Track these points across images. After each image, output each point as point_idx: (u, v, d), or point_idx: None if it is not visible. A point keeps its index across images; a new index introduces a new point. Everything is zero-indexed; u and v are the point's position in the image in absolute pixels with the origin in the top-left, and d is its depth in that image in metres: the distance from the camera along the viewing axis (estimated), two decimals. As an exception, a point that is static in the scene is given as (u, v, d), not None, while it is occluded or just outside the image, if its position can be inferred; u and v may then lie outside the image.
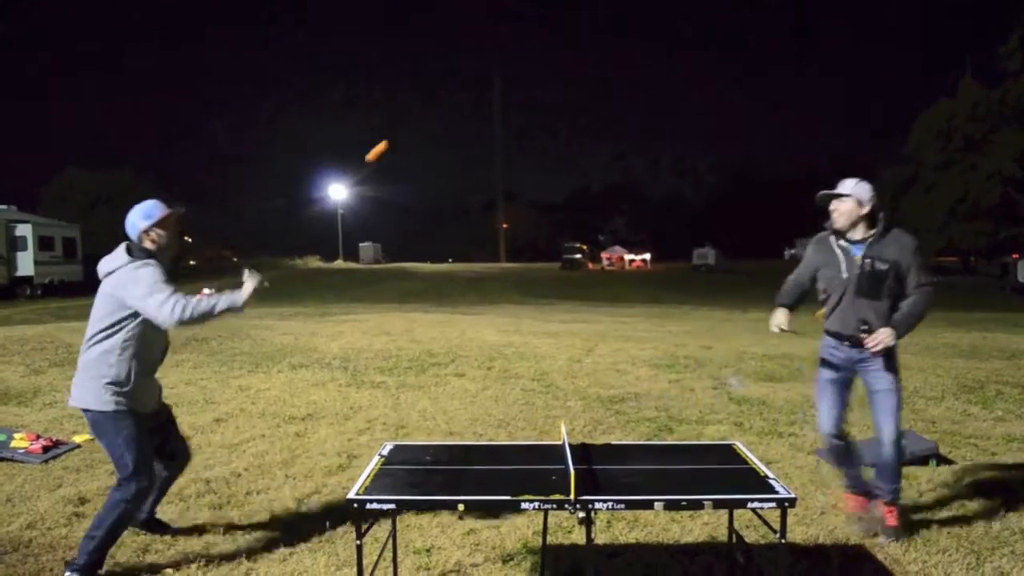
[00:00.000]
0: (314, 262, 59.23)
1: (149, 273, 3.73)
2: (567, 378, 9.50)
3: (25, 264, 32.42)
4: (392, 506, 3.09)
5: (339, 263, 64.32)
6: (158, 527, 4.35)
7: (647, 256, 75.20)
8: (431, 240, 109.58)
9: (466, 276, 51.81)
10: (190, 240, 53.57)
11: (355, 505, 2.99)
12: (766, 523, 3.29)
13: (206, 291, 3.80)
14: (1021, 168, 46.06)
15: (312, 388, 8.76)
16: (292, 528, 4.52)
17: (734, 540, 3.74)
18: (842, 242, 4.25)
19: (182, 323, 3.63)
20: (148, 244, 3.93)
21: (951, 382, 9.15)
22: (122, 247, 3.90)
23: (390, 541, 3.80)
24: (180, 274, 48.64)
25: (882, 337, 3.99)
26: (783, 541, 3.02)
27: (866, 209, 4.15)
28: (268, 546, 4.25)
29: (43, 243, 33.79)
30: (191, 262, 65.13)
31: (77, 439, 6.40)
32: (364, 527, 3.13)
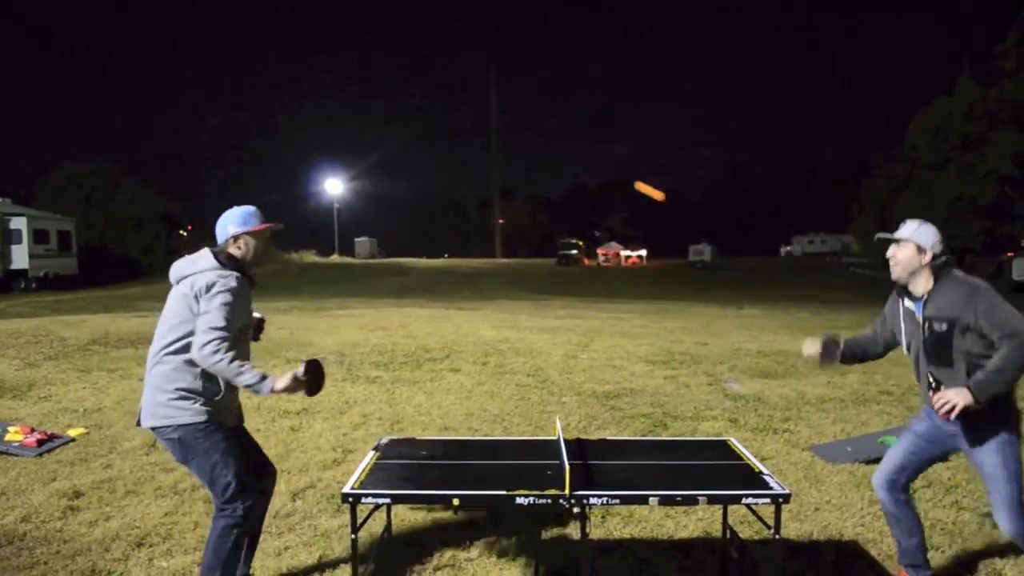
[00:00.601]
0: (310, 257, 59.09)
1: (226, 296, 3.33)
2: (562, 374, 9.50)
3: (20, 257, 32.38)
4: (387, 500, 3.10)
5: (335, 258, 64.18)
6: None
7: (643, 252, 75.17)
8: (427, 235, 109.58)
9: (462, 271, 51.79)
10: (185, 234, 53.44)
11: (350, 499, 3.00)
12: (760, 519, 3.30)
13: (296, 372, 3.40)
14: (1017, 167, 46.14)
15: (307, 383, 8.73)
16: (287, 522, 4.52)
17: (728, 536, 3.75)
18: (906, 301, 3.54)
19: (208, 368, 3.29)
20: (234, 250, 3.54)
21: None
22: (207, 251, 3.52)
23: (385, 535, 3.81)
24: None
25: (949, 397, 3.17)
26: (777, 537, 3.03)
27: (928, 257, 3.41)
28: (264, 540, 4.24)
29: (38, 236, 33.74)
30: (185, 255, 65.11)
31: (72, 432, 6.39)
32: (359, 521, 3.13)
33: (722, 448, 3.74)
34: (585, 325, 16.23)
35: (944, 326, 3.32)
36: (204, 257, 3.50)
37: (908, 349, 3.56)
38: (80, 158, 53.25)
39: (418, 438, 5.33)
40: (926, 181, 50.10)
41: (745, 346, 12.19)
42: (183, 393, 3.32)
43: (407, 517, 4.54)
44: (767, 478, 3.17)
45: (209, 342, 3.22)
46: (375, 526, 3.99)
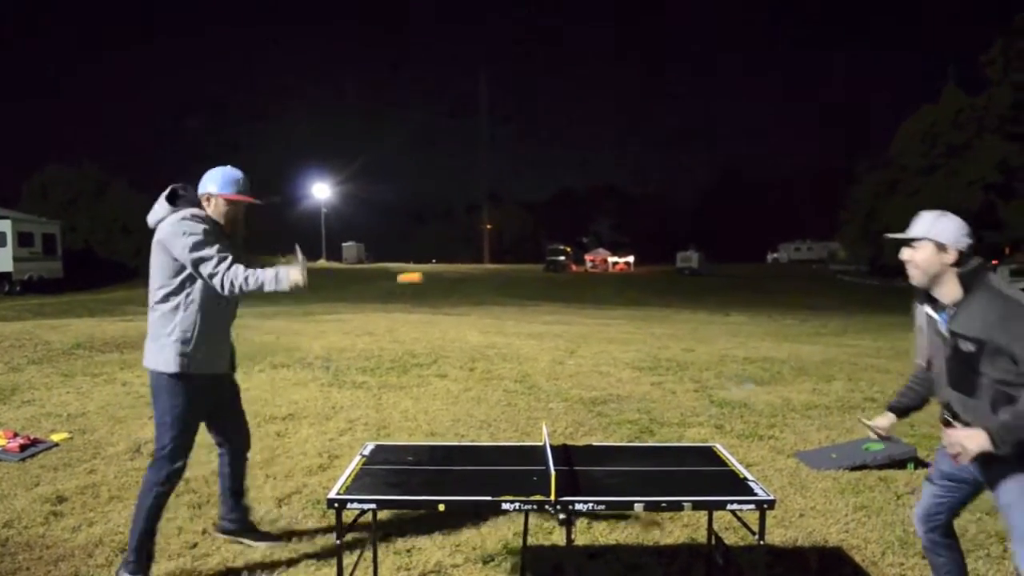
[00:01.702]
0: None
1: (190, 230, 3.49)
2: (549, 380, 9.51)
3: (4, 260, 32.18)
4: (373, 506, 3.08)
5: (322, 262, 64.09)
6: (250, 532, 4.17)
7: (631, 259, 75.41)
8: (415, 240, 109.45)
9: (450, 277, 51.76)
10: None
11: (335, 505, 2.99)
12: (745, 525, 3.31)
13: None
14: (1002, 174, 46.58)
15: (293, 388, 8.72)
16: (273, 528, 4.50)
17: (713, 541, 3.76)
18: (930, 310, 2.96)
19: (233, 294, 3.52)
20: (205, 208, 3.68)
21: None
22: (161, 198, 3.65)
23: (371, 541, 3.81)
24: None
25: (961, 440, 2.70)
26: (762, 543, 3.04)
27: (952, 257, 2.80)
28: (249, 545, 4.23)
29: (23, 239, 33.53)
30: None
31: (55, 437, 6.35)
32: (344, 527, 3.12)
33: (707, 454, 3.75)
34: (572, 331, 16.25)
35: (972, 347, 2.73)
36: (160, 203, 3.64)
37: (929, 365, 3.07)
38: (66, 161, 52.91)
39: (404, 444, 5.33)
40: (912, 188, 50.50)
41: (732, 353, 12.23)
42: (162, 342, 3.59)
43: (393, 523, 4.53)
44: (752, 484, 3.18)
45: (221, 274, 3.43)
46: (361, 532, 3.98)
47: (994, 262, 44.71)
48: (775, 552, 4.16)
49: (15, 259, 32.45)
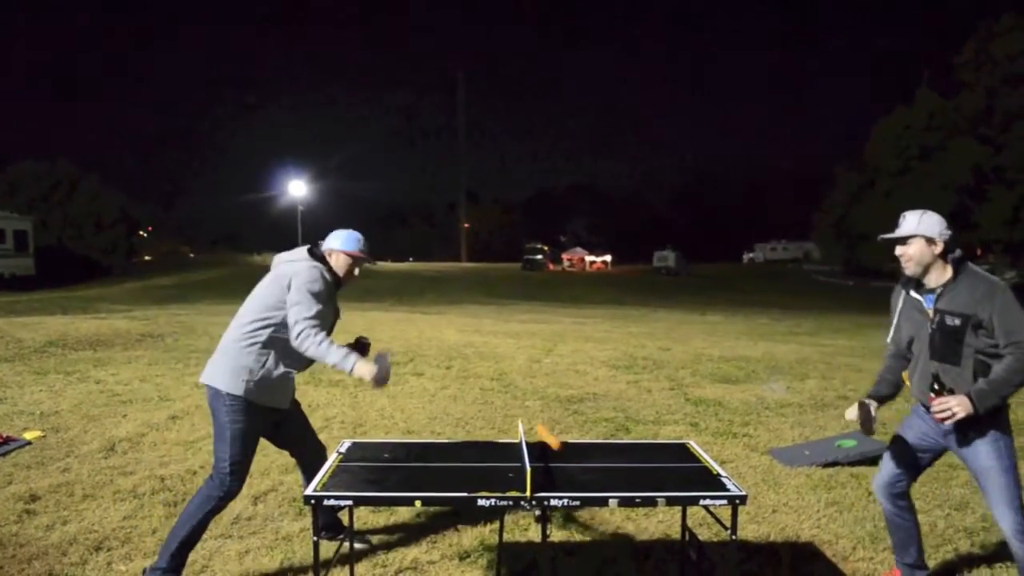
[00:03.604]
0: (272, 259, 58.31)
1: (314, 285, 3.71)
2: (526, 378, 9.54)
3: (-26, 257, 31.73)
4: (349, 502, 3.10)
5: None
6: (336, 528, 4.18)
7: (608, 258, 75.62)
8: (392, 239, 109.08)
9: (427, 275, 51.68)
10: (145, 235, 52.68)
11: (312, 502, 3.00)
12: (718, 520, 3.35)
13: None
14: (974, 177, 47.17)
15: (270, 386, 8.68)
16: (249, 525, 4.50)
17: (687, 537, 3.81)
18: (913, 292, 3.42)
19: (302, 351, 3.63)
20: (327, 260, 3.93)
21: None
22: (306, 247, 3.96)
23: (347, 538, 3.81)
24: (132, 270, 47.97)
25: (950, 405, 3.08)
26: (734, 538, 3.08)
27: (939, 247, 3.27)
28: (224, 544, 4.23)
29: (-7, 236, 33.09)
30: (147, 257, 64.18)
31: (28, 436, 6.29)
32: (321, 524, 3.13)
33: (681, 451, 3.79)
34: (549, 330, 16.30)
35: (958, 321, 3.19)
36: (302, 251, 3.94)
37: (909, 344, 3.47)
38: (38, 156, 52.28)
39: (381, 441, 5.34)
40: (885, 189, 50.96)
41: (707, 352, 12.32)
42: (234, 366, 3.65)
43: (369, 519, 4.54)
44: (724, 480, 3.22)
45: (302, 330, 3.58)
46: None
47: (966, 263, 45.35)
48: (748, 547, 4.21)
49: (-15, 256, 32.05)
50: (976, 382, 3.14)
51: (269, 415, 3.80)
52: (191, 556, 3.97)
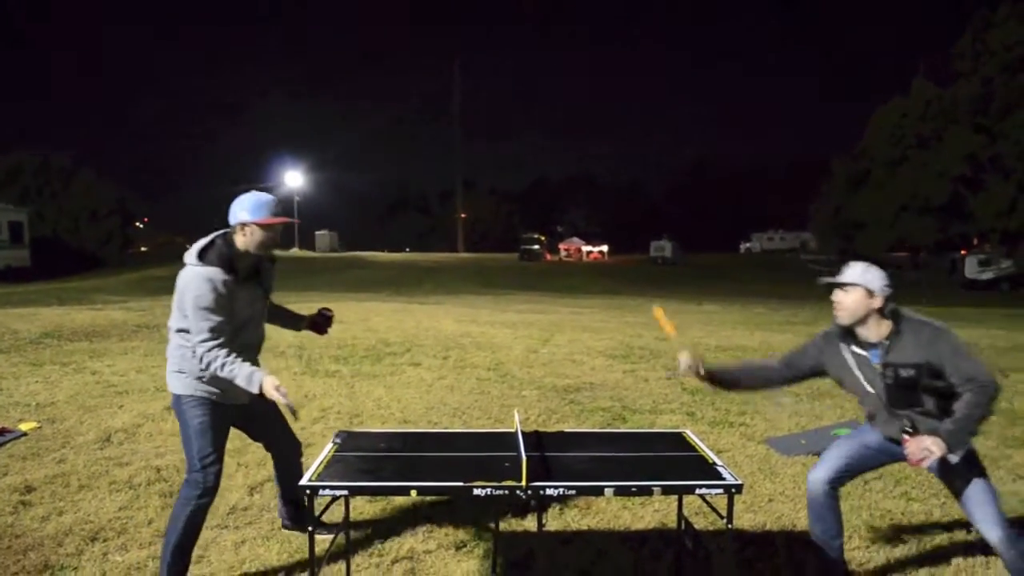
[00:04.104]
0: (269, 250, 58.23)
1: (201, 300, 3.44)
2: (523, 368, 9.54)
3: (-31, 249, 31.65)
4: (344, 492, 3.09)
5: (295, 251, 63.59)
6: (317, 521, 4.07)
7: (604, 248, 75.64)
8: (389, 229, 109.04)
9: (423, 266, 51.64)
10: (141, 226, 52.57)
11: (307, 492, 2.99)
12: (714, 509, 3.35)
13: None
14: (970, 167, 47.19)
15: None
16: (245, 516, 4.50)
17: (683, 526, 3.81)
18: (855, 348, 3.45)
19: (203, 371, 3.52)
20: (239, 237, 3.57)
21: (897, 374, 9.35)
22: (200, 243, 3.56)
23: (342, 527, 3.81)
24: (126, 260, 47.84)
25: (927, 445, 3.06)
26: (730, 527, 3.08)
27: (878, 302, 3.31)
28: (221, 534, 4.22)
29: (-12, 227, 32.99)
30: (142, 248, 64.05)
31: (24, 427, 6.28)
32: (317, 514, 3.12)
33: (677, 440, 3.79)
34: (546, 320, 16.30)
35: (912, 372, 3.24)
36: (193, 253, 3.53)
37: (862, 399, 3.54)
38: (33, 147, 52.07)
39: (377, 431, 5.33)
40: (882, 179, 51.00)
41: (704, 341, 12.33)
42: (178, 368, 3.63)
43: (365, 510, 4.54)
44: (720, 469, 3.22)
45: (201, 355, 3.46)
46: (333, 518, 3.99)
47: (962, 252, 45.41)
48: (744, 536, 4.22)
49: (-19, 247, 31.97)
50: (942, 422, 3.19)
51: (233, 409, 3.73)
52: (187, 547, 3.97)
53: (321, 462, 3.30)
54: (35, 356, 9.76)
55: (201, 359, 3.46)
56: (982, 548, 4.09)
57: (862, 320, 3.34)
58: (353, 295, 24.67)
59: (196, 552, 3.93)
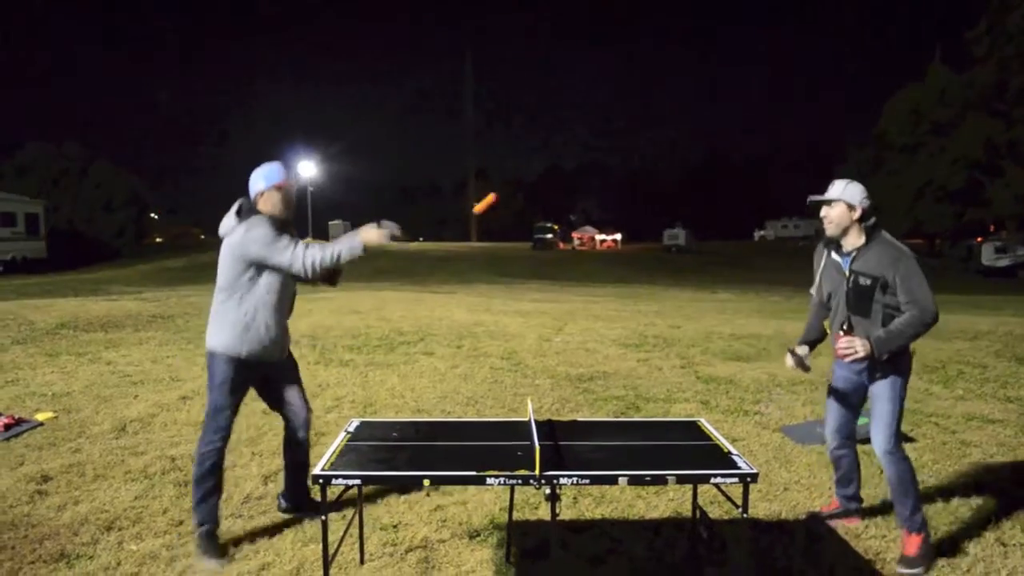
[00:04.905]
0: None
1: (260, 233, 3.82)
2: (536, 357, 9.52)
3: (-14, 240, 31.86)
4: (357, 482, 3.08)
5: (308, 241, 63.66)
6: (309, 506, 4.34)
7: (618, 236, 75.44)
8: (402, 218, 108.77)
9: (437, 255, 51.67)
10: (156, 217, 52.83)
11: (320, 481, 2.99)
12: (729, 498, 3.33)
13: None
14: (987, 153, 46.71)
15: (280, 366, 8.69)
16: (259, 505, 4.51)
17: (698, 515, 3.79)
18: (835, 255, 3.92)
19: (315, 274, 3.87)
20: (262, 205, 4.01)
21: (914, 362, 9.26)
22: (232, 210, 3.99)
23: (356, 517, 3.81)
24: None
25: (855, 345, 3.61)
26: (745, 516, 3.06)
27: (858, 213, 3.75)
28: (235, 523, 4.23)
29: (5, 219, 33.26)
30: (157, 239, 64.36)
31: (40, 417, 6.32)
32: (329, 503, 3.12)
33: (692, 429, 3.77)
34: (559, 309, 16.27)
35: (868, 281, 3.71)
36: (229, 217, 3.96)
37: (828, 297, 3.98)
38: (48, 139, 52.36)
39: (390, 420, 5.33)
40: (897, 165, 50.58)
41: (718, 329, 12.27)
42: (218, 325, 3.93)
43: (379, 499, 4.54)
44: (735, 458, 3.20)
45: (293, 263, 3.81)
46: (347, 509, 3.99)
47: (978, 239, 44.99)
48: (759, 525, 4.20)
49: (-2, 239, 32.19)
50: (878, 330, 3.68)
51: (257, 368, 4.02)
52: (201, 536, 3.99)
53: (334, 451, 3.29)
54: (51, 347, 9.82)
55: (303, 265, 3.79)
56: (998, 538, 4.06)
57: (846, 231, 3.80)
58: (367, 284, 24.71)
59: (211, 541, 3.96)
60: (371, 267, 38.19)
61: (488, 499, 4.50)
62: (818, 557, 3.86)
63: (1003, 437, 6.02)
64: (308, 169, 77.25)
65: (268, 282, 3.93)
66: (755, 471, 3.03)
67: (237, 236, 3.88)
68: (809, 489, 4.79)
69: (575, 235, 76.36)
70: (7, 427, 5.90)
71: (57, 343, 10.10)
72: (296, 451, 4.33)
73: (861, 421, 5.88)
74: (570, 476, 2.98)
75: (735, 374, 8.46)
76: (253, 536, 4.05)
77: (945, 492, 4.73)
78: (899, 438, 3.83)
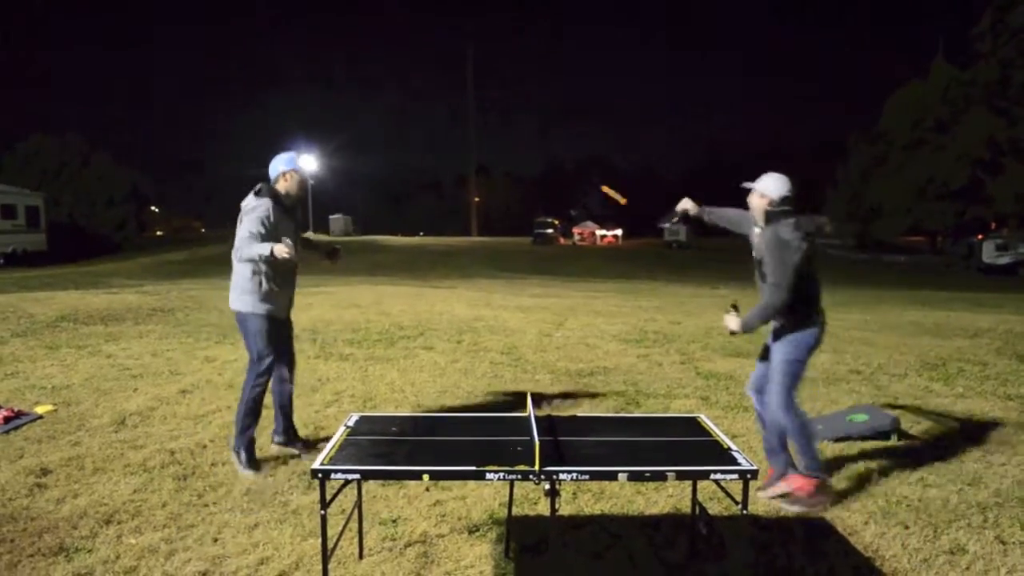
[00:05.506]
0: (284, 234, 58.52)
1: (256, 216, 4.77)
2: (536, 352, 9.52)
3: (-14, 233, 31.83)
4: (356, 476, 3.08)
5: (309, 235, 63.71)
6: (297, 443, 5.37)
7: (618, 232, 75.40)
8: (403, 213, 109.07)
9: (437, 249, 51.64)
10: (156, 211, 52.80)
11: (319, 475, 2.98)
12: (728, 495, 3.33)
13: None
14: (989, 150, 46.64)
15: (280, 360, 8.68)
16: (260, 498, 4.50)
17: (697, 511, 3.79)
18: (757, 229, 4.49)
19: (240, 259, 4.81)
20: (281, 184, 5.03)
21: (915, 359, 9.29)
22: (254, 190, 4.92)
23: (356, 512, 3.81)
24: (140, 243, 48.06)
25: (728, 322, 4.34)
26: (745, 512, 3.06)
27: (766, 202, 4.32)
28: (234, 516, 4.23)
29: (5, 212, 33.25)
30: (158, 232, 64.34)
31: (39, 410, 6.32)
32: (329, 497, 3.12)
33: (692, 425, 3.76)
34: (560, 304, 16.26)
35: (756, 259, 4.37)
36: (251, 195, 4.91)
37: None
38: (49, 131, 52.29)
39: (389, 415, 5.33)
40: (899, 162, 50.51)
41: (718, 325, 12.24)
42: (242, 290, 4.93)
43: (377, 493, 4.54)
44: (735, 454, 3.19)
45: (239, 246, 4.73)
46: (346, 502, 3.99)
47: (979, 237, 44.92)
48: (759, 522, 4.19)
49: (-2, 231, 32.16)
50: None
51: (277, 322, 5.03)
52: (201, 530, 4.01)
53: (333, 445, 3.29)
54: (51, 339, 9.82)
55: (238, 246, 4.72)
56: (998, 536, 4.06)
57: (762, 215, 4.36)
58: (367, 278, 24.69)
59: (210, 535, 3.97)
60: (371, 262, 38.18)
61: (487, 494, 4.50)
62: (817, 553, 3.86)
63: (1003, 435, 6.01)
64: (309, 164, 77.24)
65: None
66: (755, 467, 3.03)
67: (247, 206, 4.84)
68: (809, 486, 4.77)
69: (576, 230, 76.30)
70: (7, 420, 5.90)
71: (57, 336, 10.10)
72: (283, 393, 5.32)
73: (858, 418, 5.90)
74: (570, 472, 2.98)
75: (735, 370, 8.46)
76: (252, 530, 4.05)
77: (945, 490, 4.72)
78: (791, 398, 4.36)
